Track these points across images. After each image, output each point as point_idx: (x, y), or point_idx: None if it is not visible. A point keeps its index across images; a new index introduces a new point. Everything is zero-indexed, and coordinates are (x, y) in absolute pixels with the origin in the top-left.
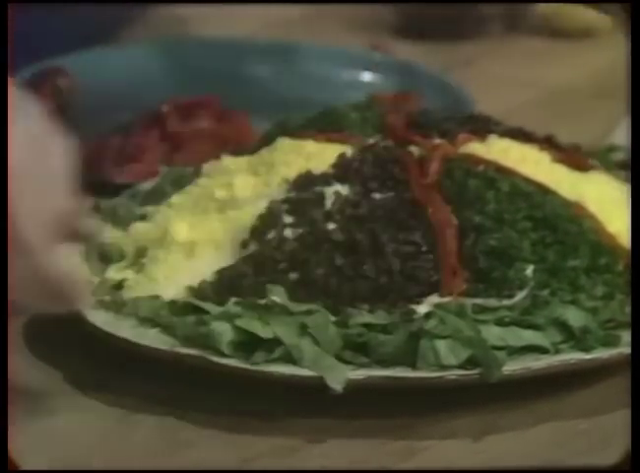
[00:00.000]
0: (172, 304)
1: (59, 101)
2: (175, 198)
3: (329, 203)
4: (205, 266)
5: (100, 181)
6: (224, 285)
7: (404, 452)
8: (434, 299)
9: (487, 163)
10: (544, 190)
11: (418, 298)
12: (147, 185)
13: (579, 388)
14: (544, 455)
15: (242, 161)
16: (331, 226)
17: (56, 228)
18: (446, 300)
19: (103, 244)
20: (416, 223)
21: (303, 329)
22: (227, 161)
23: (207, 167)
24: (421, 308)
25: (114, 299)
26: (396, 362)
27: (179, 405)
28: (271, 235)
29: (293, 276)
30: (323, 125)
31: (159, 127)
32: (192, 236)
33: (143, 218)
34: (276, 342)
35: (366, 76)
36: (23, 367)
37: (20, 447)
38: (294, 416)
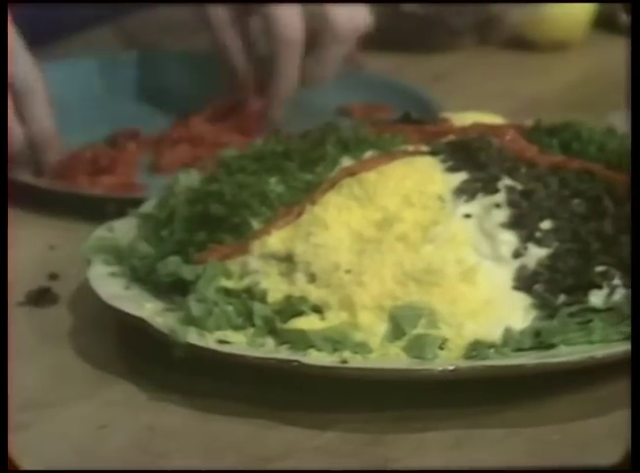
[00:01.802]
0: None
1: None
2: None
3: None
4: None
5: (74, 194)
6: None
7: (376, 464)
8: None
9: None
10: None
11: None
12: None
13: (552, 398)
14: (517, 466)
15: None
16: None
17: None
18: None
19: None
20: None
21: None
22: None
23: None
24: None
25: None
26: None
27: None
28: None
29: None
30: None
31: (137, 139)
32: None
33: None
34: None
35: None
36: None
37: (19, 446)
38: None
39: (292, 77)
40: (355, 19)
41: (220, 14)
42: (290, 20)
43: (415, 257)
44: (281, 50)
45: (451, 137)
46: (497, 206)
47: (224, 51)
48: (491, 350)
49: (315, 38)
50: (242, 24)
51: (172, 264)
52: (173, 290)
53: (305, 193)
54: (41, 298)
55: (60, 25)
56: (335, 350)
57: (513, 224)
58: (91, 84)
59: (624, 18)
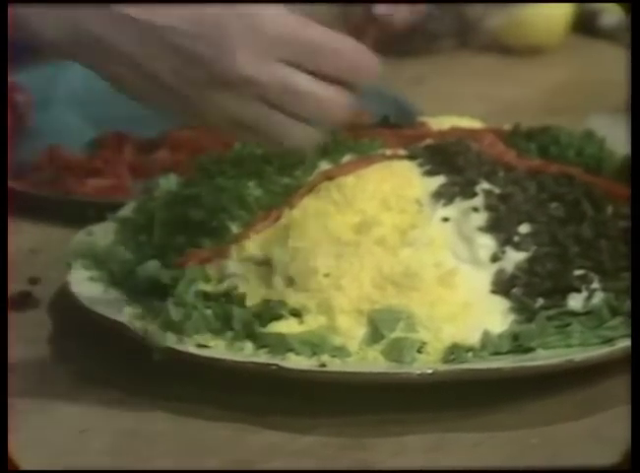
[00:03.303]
0: None
1: (16, 116)
2: None
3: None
4: None
5: (63, 197)
6: None
7: (355, 468)
8: None
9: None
10: None
11: None
12: (127, 210)
13: (530, 401)
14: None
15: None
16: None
17: None
18: None
19: None
20: None
21: None
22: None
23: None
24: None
25: None
26: None
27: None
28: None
29: None
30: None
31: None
32: None
33: None
34: None
35: None
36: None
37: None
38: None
39: None
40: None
41: None
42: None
43: (393, 261)
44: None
45: (429, 141)
46: (475, 210)
47: None
48: (469, 353)
49: None
50: None
51: (151, 268)
52: (152, 294)
53: (284, 197)
54: (22, 302)
55: None
56: (313, 354)
57: (491, 227)
58: (76, 86)
59: (604, 21)
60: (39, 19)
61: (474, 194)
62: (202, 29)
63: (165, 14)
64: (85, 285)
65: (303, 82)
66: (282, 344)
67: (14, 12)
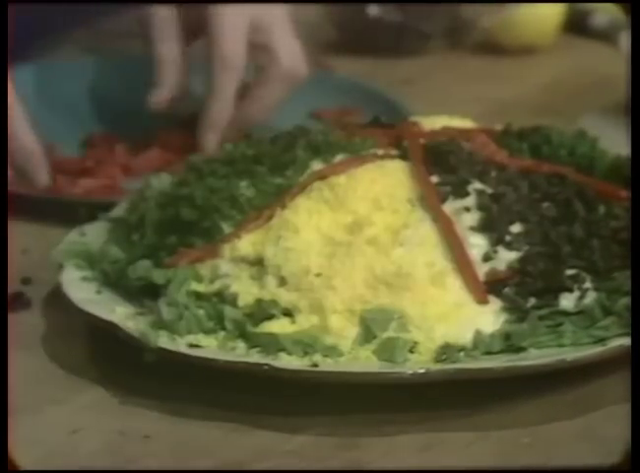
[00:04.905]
0: None
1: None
2: None
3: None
4: None
5: (55, 197)
6: None
7: (348, 468)
8: None
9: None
10: None
11: None
12: (119, 210)
13: (522, 401)
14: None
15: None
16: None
17: None
18: None
19: None
20: None
21: None
22: None
23: None
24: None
25: None
26: None
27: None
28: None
29: None
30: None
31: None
32: None
33: None
34: None
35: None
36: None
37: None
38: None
39: (227, 102)
40: (299, 61)
41: (165, 28)
42: (234, 45)
43: (385, 261)
44: (219, 73)
45: (421, 141)
46: (467, 209)
47: (161, 64)
48: (461, 353)
49: (259, 73)
50: (186, 42)
51: (143, 268)
52: (144, 294)
53: (276, 197)
54: (15, 302)
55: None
56: (305, 353)
57: (483, 227)
58: (62, 87)
59: (595, 21)
60: None
61: (466, 194)
62: None
63: None
64: (77, 285)
65: None
66: (274, 344)
67: None
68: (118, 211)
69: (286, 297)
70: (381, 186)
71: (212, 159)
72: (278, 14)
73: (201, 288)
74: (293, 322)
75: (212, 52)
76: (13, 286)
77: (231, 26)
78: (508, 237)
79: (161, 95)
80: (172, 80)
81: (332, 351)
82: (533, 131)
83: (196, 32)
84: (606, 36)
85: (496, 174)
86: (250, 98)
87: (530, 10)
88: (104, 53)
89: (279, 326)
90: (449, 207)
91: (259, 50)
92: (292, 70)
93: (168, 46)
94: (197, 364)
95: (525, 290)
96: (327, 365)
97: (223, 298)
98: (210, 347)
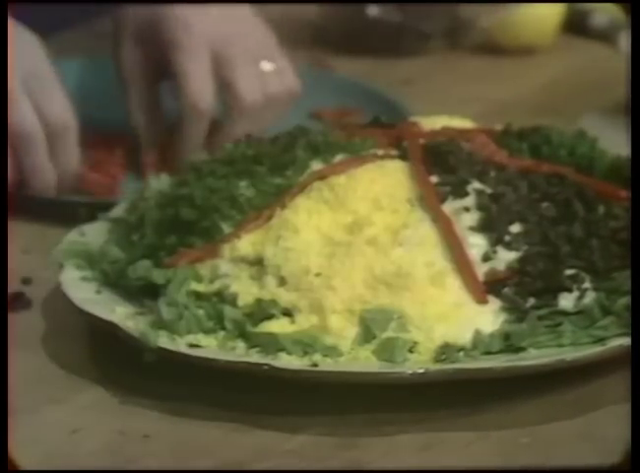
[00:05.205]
0: None
1: None
2: None
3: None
4: None
5: (55, 197)
6: None
7: (347, 467)
8: None
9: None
10: None
11: None
12: (119, 210)
13: (521, 401)
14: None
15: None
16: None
17: None
18: None
19: None
20: None
21: None
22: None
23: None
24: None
25: None
26: None
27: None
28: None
29: None
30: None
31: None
32: None
33: None
34: None
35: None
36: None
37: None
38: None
39: (196, 145)
40: (289, 79)
41: (134, 71)
42: (202, 87)
43: (384, 261)
44: (189, 122)
45: (421, 141)
46: (467, 209)
47: (131, 107)
48: (461, 353)
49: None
50: (154, 81)
51: (143, 268)
52: (144, 294)
53: (275, 197)
54: (15, 302)
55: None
56: (305, 353)
57: (482, 227)
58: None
59: (595, 21)
60: None
61: (465, 194)
62: None
63: None
64: (77, 285)
65: None
66: (273, 344)
67: None
68: (118, 211)
69: (285, 297)
70: (381, 186)
71: (212, 159)
72: (239, 44)
73: (201, 288)
74: (293, 322)
75: (181, 99)
76: (13, 286)
77: (197, 67)
78: (507, 238)
79: (150, 157)
80: (153, 139)
81: (332, 351)
82: (532, 131)
83: (163, 73)
84: (605, 36)
85: (496, 174)
86: (219, 135)
87: (529, 10)
88: (102, 53)
89: (278, 326)
90: (448, 207)
91: (224, 87)
92: (256, 103)
93: (139, 97)
94: (197, 364)
95: (524, 290)
96: (327, 364)
97: (222, 297)
98: (210, 347)
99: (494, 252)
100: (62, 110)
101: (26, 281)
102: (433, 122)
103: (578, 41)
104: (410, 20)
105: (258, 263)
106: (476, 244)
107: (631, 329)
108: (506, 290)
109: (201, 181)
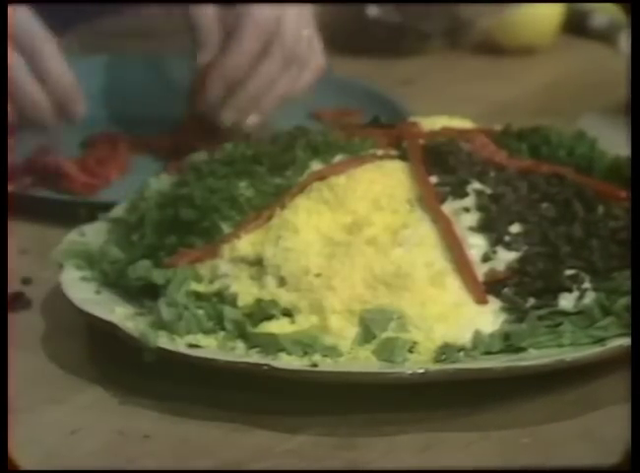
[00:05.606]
0: None
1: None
2: None
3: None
4: None
5: (55, 197)
6: None
7: (347, 467)
8: None
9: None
10: None
11: None
12: (118, 210)
13: (521, 401)
14: (487, 469)
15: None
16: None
17: None
18: None
19: None
20: None
21: None
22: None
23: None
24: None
25: None
26: None
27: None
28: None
29: None
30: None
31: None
32: None
33: None
34: None
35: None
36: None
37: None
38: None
39: (217, 92)
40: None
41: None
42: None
43: (384, 261)
44: (245, 27)
45: (420, 141)
46: (466, 210)
47: (201, 26)
48: (461, 353)
49: None
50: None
51: (143, 268)
52: (144, 294)
53: (275, 197)
54: (15, 302)
55: None
56: (305, 354)
57: (482, 227)
58: None
59: (595, 21)
60: None
61: (465, 194)
62: None
63: None
64: (77, 285)
65: None
66: (273, 344)
67: None
68: (118, 211)
69: (285, 297)
70: (380, 187)
71: (212, 159)
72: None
73: (200, 288)
74: (293, 322)
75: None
76: (13, 286)
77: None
78: (507, 238)
79: (208, 55)
80: (214, 40)
81: (331, 351)
82: (532, 131)
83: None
84: (605, 37)
85: (495, 175)
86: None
87: (529, 10)
88: (104, 53)
89: (278, 326)
90: (448, 207)
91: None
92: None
93: (204, 9)
94: (197, 364)
95: (524, 290)
96: (326, 365)
97: (222, 298)
98: (209, 347)
99: (494, 252)
100: (31, 27)
101: (25, 281)
102: (433, 122)
103: (578, 42)
104: (409, 20)
105: (258, 263)
106: (475, 245)
107: (631, 329)
108: (506, 290)
109: (201, 181)
